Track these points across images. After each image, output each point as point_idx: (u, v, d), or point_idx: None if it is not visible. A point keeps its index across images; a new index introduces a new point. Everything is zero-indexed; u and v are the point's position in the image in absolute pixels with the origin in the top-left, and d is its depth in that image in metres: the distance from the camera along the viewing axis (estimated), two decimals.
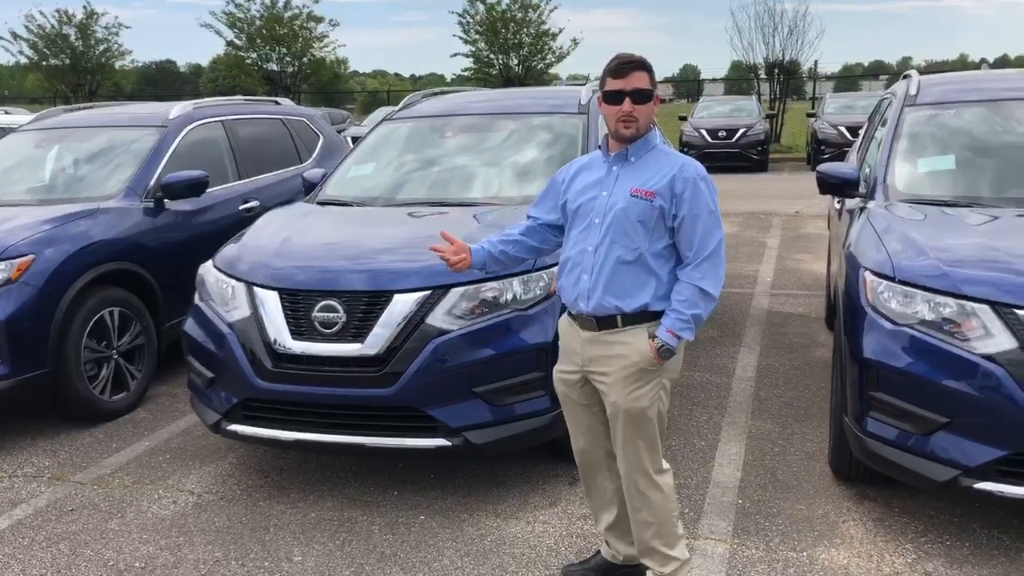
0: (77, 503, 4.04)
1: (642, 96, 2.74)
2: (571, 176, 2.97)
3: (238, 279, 4.02)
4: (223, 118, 6.69)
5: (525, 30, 28.69)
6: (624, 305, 2.76)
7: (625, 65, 2.75)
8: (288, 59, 30.28)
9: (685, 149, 18.69)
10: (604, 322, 2.79)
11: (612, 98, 2.75)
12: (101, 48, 31.53)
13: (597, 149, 3.01)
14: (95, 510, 3.96)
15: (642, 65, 2.76)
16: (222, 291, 4.07)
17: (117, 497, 4.08)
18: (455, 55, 29.81)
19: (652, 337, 2.76)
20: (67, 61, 30.99)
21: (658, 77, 2.93)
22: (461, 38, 29.24)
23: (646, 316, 2.78)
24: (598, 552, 3.28)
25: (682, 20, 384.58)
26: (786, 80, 25.95)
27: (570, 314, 2.93)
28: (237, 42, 30.40)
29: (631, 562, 3.13)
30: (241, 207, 6.34)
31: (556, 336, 3.59)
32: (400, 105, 6.23)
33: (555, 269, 3.73)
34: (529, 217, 3.13)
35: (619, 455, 2.89)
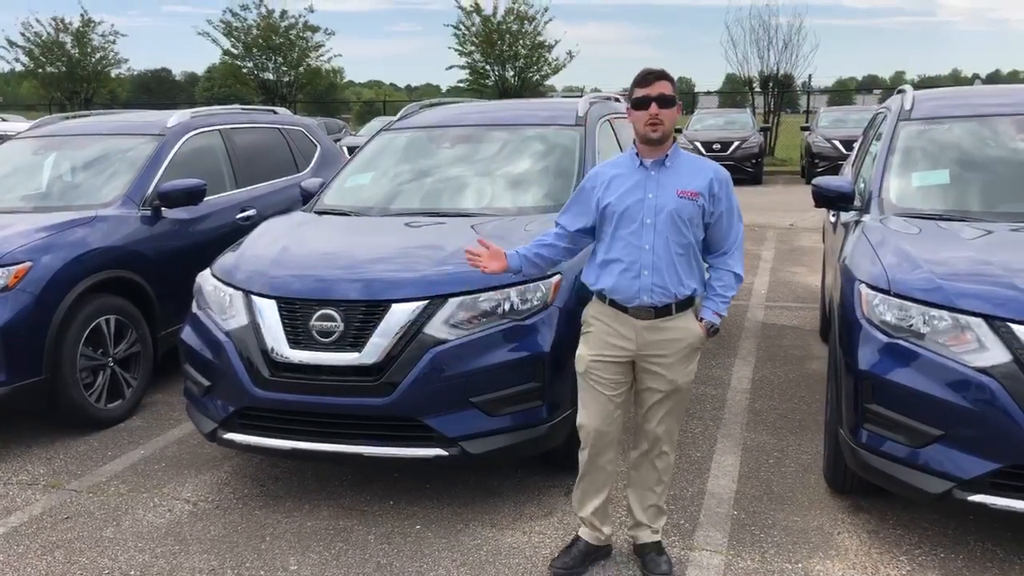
0: (72, 511, 4.03)
1: (666, 101, 3.07)
2: (606, 182, 3.19)
3: (236, 287, 4.03)
4: (220, 127, 6.70)
5: (521, 42, 28.74)
6: (680, 293, 3.12)
7: (650, 75, 3.10)
8: (284, 68, 30.28)
9: None
10: (661, 311, 3.12)
11: (640, 104, 3.09)
12: (97, 56, 31.50)
13: (624, 154, 3.27)
14: (90, 518, 3.95)
15: (664, 75, 3.11)
16: (220, 299, 4.08)
17: (112, 505, 4.08)
18: (451, 67, 29.70)
19: (700, 319, 3.20)
20: (63, 69, 30.93)
21: None
22: (456, 50, 29.31)
23: (691, 301, 3.18)
24: (577, 538, 3.41)
25: (675, 33, 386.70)
26: (780, 93, 26.08)
27: (620, 306, 3.14)
28: (233, 51, 30.41)
29: (608, 542, 3.45)
30: (238, 216, 6.34)
31: (553, 346, 3.63)
32: (398, 116, 6.25)
33: (552, 280, 3.77)
34: (558, 225, 3.33)
35: (657, 424, 3.24)
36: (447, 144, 5.53)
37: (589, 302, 3.30)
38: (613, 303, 3.16)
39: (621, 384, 3.21)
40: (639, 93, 3.08)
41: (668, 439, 3.27)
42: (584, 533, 3.41)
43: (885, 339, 3.42)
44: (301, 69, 30.48)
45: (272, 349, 3.76)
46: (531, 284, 3.80)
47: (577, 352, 3.28)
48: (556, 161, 5.11)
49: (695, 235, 3.13)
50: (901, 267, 3.60)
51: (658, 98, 3.05)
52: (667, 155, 3.13)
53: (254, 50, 29.87)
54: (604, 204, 3.15)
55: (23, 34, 30.43)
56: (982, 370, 3.15)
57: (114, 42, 31.69)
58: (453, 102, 7.00)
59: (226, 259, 4.38)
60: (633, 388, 3.26)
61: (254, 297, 3.91)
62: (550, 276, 3.77)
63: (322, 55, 31.04)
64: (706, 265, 3.27)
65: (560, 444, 3.84)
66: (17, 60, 31.35)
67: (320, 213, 5.08)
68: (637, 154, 3.16)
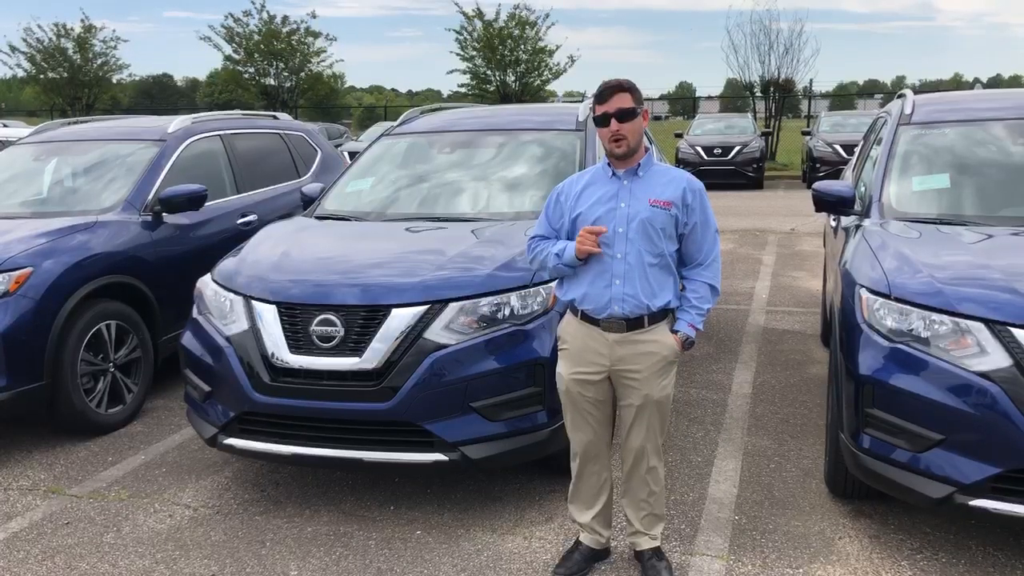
0: (73, 516, 4.03)
1: (626, 115, 3.03)
2: (577, 193, 3.17)
3: (236, 293, 4.03)
4: (222, 132, 6.71)
5: (522, 47, 28.78)
6: (652, 304, 3.07)
7: (607, 90, 3.05)
8: (286, 74, 30.33)
9: (681, 166, 18.62)
10: (633, 323, 3.08)
11: (601, 122, 3.06)
12: (99, 62, 31.56)
13: (596, 165, 3.22)
14: (91, 523, 3.95)
15: (622, 87, 3.05)
16: (220, 305, 4.08)
17: (113, 510, 4.07)
18: (452, 72, 29.72)
19: (675, 332, 3.14)
20: (65, 74, 30.99)
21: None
22: (458, 55, 29.35)
23: (664, 313, 3.13)
24: (577, 544, 3.43)
25: (676, 38, 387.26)
26: (781, 98, 26.09)
27: (591, 319, 3.11)
28: (235, 56, 30.47)
29: (608, 545, 3.46)
30: (239, 221, 6.35)
31: (553, 351, 3.62)
32: (398, 121, 6.26)
33: (552, 284, 3.76)
34: (540, 238, 3.25)
35: (638, 440, 3.20)
36: (447, 149, 5.54)
37: (563, 317, 3.29)
38: (584, 316, 3.14)
39: (602, 403, 3.22)
40: (599, 110, 3.05)
41: (654, 453, 3.24)
42: (584, 537, 3.42)
43: (886, 344, 3.42)
44: (303, 75, 30.54)
45: (272, 354, 3.76)
46: (531, 289, 3.81)
47: (557, 370, 3.28)
48: (556, 166, 5.11)
49: (668, 246, 3.08)
50: (902, 271, 3.59)
51: (616, 113, 3.01)
52: (639, 164, 3.11)
53: (256, 56, 29.92)
54: (575, 214, 3.14)
55: (25, 40, 30.52)
56: (983, 374, 3.15)
57: (115, 48, 31.77)
58: (454, 107, 7.00)
59: (227, 264, 4.38)
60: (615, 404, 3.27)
61: (254, 302, 3.92)
62: (550, 281, 3.77)
63: (324, 60, 31.13)
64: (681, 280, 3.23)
65: (560, 449, 3.83)
66: (19, 66, 31.43)
67: (320, 218, 5.09)
68: (609, 164, 3.15)
